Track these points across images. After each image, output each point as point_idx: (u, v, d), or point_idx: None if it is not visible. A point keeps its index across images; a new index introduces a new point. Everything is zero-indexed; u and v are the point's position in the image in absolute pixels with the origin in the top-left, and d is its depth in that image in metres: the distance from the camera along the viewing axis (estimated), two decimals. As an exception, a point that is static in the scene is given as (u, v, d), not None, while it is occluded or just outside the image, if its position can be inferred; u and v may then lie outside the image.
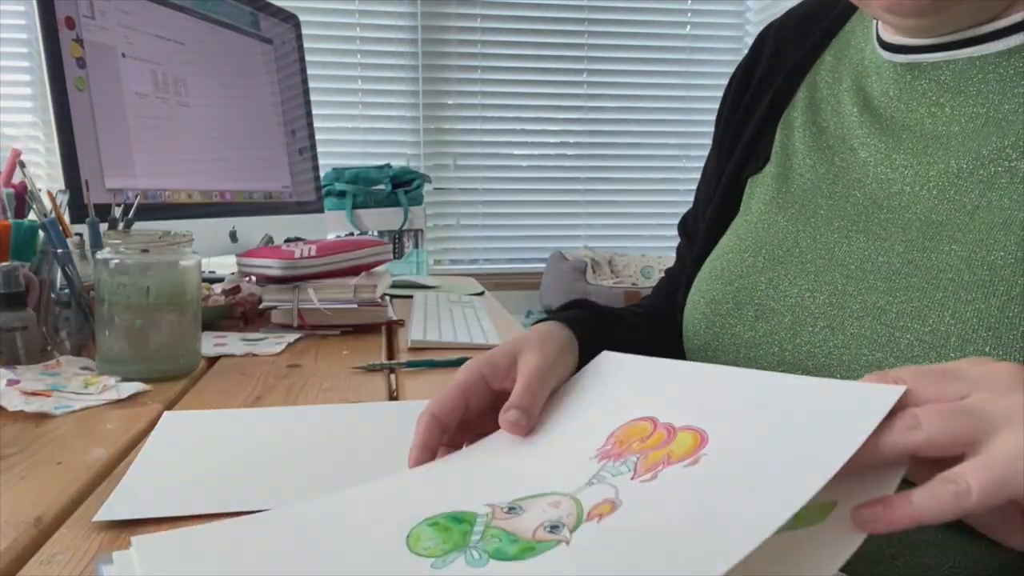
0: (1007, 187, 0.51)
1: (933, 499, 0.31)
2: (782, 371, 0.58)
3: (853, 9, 0.68)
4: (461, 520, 0.41)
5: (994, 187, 0.52)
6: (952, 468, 0.32)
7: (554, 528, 0.38)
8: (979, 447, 0.33)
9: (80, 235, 0.89)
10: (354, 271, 1.11)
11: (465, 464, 0.50)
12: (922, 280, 0.52)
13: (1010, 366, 0.36)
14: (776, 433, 0.40)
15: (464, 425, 0.53)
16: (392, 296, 1.31)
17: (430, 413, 0.51)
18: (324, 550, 0.40)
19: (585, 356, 0.59)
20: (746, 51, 0.77)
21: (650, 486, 0.39)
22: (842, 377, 0.54)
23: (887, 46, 0.61)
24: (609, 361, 0.56)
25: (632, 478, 0.41)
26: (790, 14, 0.75)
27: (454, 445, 0.52)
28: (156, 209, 1.11)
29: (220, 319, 1.09)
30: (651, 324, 0.75)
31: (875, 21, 0.64)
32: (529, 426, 0.50)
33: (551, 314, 0.66)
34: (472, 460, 0.51)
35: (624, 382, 0.53)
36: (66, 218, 0.93)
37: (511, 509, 0.41)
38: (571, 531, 0.38)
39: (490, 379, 0.53)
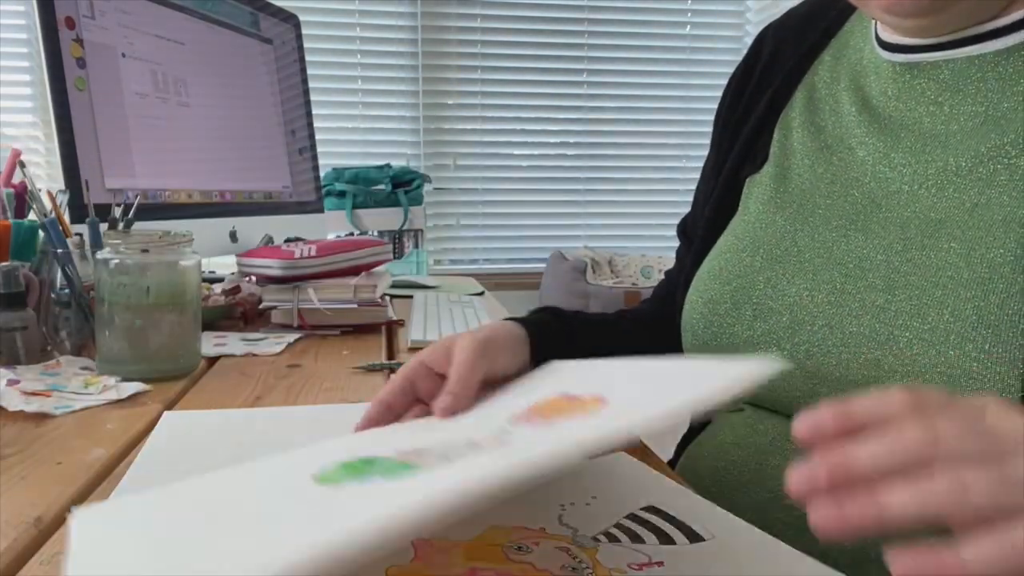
0: (1006, 184, 0.51)
1: (988, 555, 0.29)
2: (781, 370, 0.58)
3: (852, 9, 0.68)
4: (371, 463, 0.43)
5: (993, 184, 0.52)
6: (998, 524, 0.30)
7: (442, 458, 0.42)
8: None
9: (80, 235, 0.89)
10: (354, 271, 1.11)
11: (388, 428, 0.54)
12: (921, 278, 0.52)
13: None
14: (663, 393, 0.44)
15: (424, 411, 0.56)
16: (392, 296, 1.31)
17: (378, 399, 0.56)
18: (240, 496, 0.42)
19: (543, 354, 0.62)
20: (746, 51, 0.77)
21: (540, 430, 0.44)
22: (841, 376, 0.54)
23: (886, 45, 0.61)
24: (552, 364, 0.60)
25: (533, 429, 0.45)
26: (789, 14, 0.75)
27: None
28: (156, 209, 1.11)
29: (220, 319, 1.09)
30: (642, 323, 0.75)
31: (874, 21, 0.64)
32: (458, 409, 0.53)
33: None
34: (398, 426, 0.55)
35: (556, 375, 0.57)
36: (66, 218, 0.93)
37: (417, 451, 0.44)
38: (449, 460, 0.41)
39: (431, 364, 0.57)
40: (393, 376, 0.57)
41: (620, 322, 0.76)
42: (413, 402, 0.57)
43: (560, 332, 0.66)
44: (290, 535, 0.33)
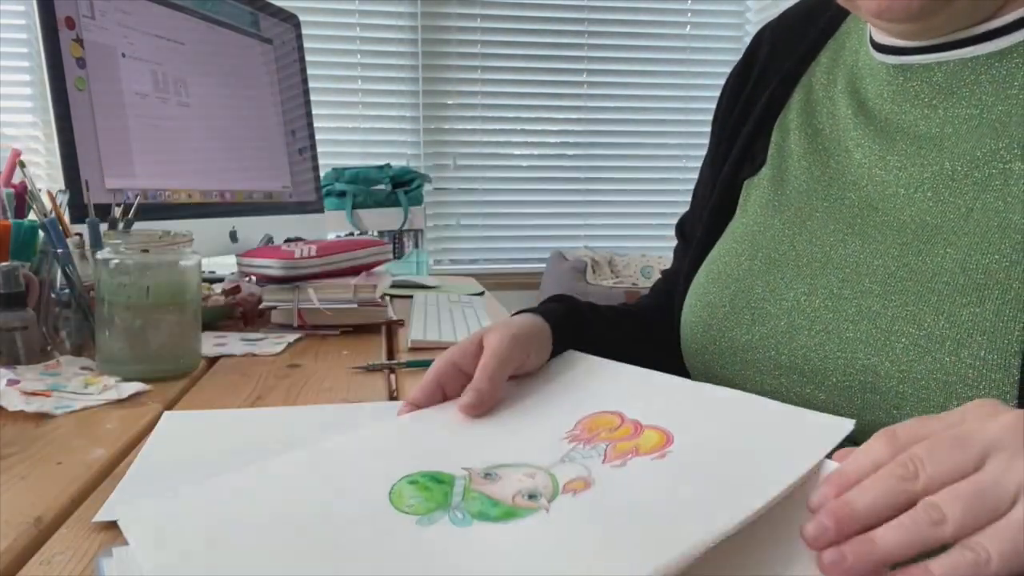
0: (1001, 189, 0.51)
1: (953, 569, 0.31)
2: (779, 375, 0.58)
3: (848, 11, 0.68)
4: (440, 481, 0.43)
5: (988, 189, 0.52)
6: (971, 536, 0.32)
7: (532, 496, 0.41)
8: (1000, 515, 0.32)
9: (80, 235, 0.89)
10: (354, 271, 1.11)
11: (439, 427, 0.53)
12: (916, 284, 0.52)
13: (1019, 417, 0.36)
14: (735, 445, 0.45)
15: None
16: (392, 296, 1.31)
17: (409, 402, 0.56)
18: (311, 509, 0.42)
19: (560, 346, 0.62)
20: (743, 52, 0.77)
21: (621, 471, 0.43)
22: (838, 381, 0.55)
23: (879, 47, 0.61)
24: (574, 357, 0.61)
25: (603, 462, 0.44)
26: (786, 15, 0.75)
27: None
28: (156, 209, 1.11)
29: (220, 319, 1.09)
30: (641, 323, 0.75)
31: (868, 24, 0.64)
32: (483, 407, 0.53)
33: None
34: (445, 425, 0.54)
35: (589, 377, 0.58)
36: (66, 218, 0.93)
37: (487, 475, 0.44)
38: (548, 500, 0.41)
39: (460, 364, 0.56)
40: (424, 379, 0.57)
41: (624, 320, 0.76)
42: (441, 401, 0.56)
43: (579, 326, 0.66)
44: None
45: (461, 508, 0.40)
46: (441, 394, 0.56)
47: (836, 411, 0.55)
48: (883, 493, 0.34)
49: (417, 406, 0.55)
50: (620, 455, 0.45)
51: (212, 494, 0.43)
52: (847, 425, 0.43)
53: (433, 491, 0.42)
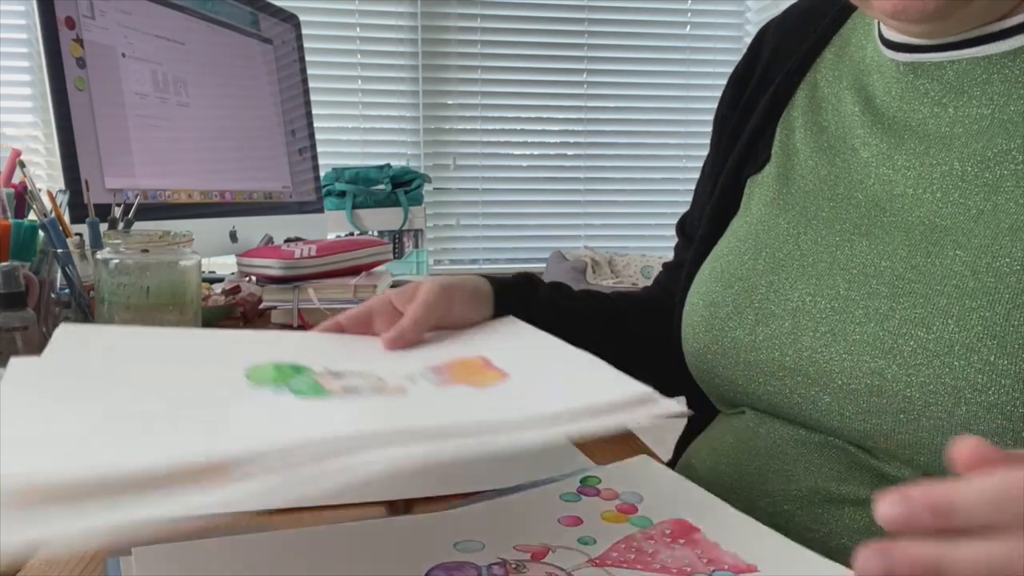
0: (1013, 190, 0.50)
1: None
2: (783, 376, 0.58)
3: (852, 6, 0.67)
4: (298, 371, 0.47)
5: (1000, 191, 0.51)
6: None
7: (348, 390, 0.45)
8: None
9: (80, 235, 0.89)
10: (354, 271, 1.11)
11: (334, 341, 0.59)
12: (925, 286, 0.51)
13: None
14: (551, 389, 0.47)
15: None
16: (392, 296, 1.31)
17: (335, 320, 0.61)
18: (177, 353, 0.50)
19: (503, 311, 0.66)
20: (745, 50, 0.77)
21: (437, 389, 0.47)
22: (844, 384, 0.54)
23: (890, 44, 0.61)
24: (508, 320, 0.65)
25: (434, 385, 0.48)
26: (789, 12, 0.75)
27: None
28: (156, 209, 1.11)
29: (220, 319, 1.09)
30: (618, 313, 0.76)
31: (876, 20, 0.63)
32: (402, 342, 0.57)
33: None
34: (340, 341, 0.59)
35: (498, 331, 0.62)
36: (66, 218, 0.93)
37: (336, 373, 0.48)
38: (357, 395, 0.44)
39: (395, 301, 0.61)
40: (357, 306, 0.62)
41: (597, 304, 0.77)
42: (366, 332, 0.61)
43: (526, 298, 0.69)
44: (184, 433, 0.36)
45: (292, 386, 0.44)
46: (368, 323, 0.61)
47: (841, 414, 0.54)
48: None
49: (339, 325, 0.61)
50: (449, 382, 0.48)
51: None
52: (642, 390, 0.44)
53: (284, 374, 0.46)
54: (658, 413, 0.42)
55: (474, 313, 0.64)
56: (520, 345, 0.58)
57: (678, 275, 0.74)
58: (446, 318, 0.61)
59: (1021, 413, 0.46)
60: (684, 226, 0.81)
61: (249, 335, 0.59)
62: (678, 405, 0.43)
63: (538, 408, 0.42)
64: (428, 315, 0.59)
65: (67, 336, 0.50)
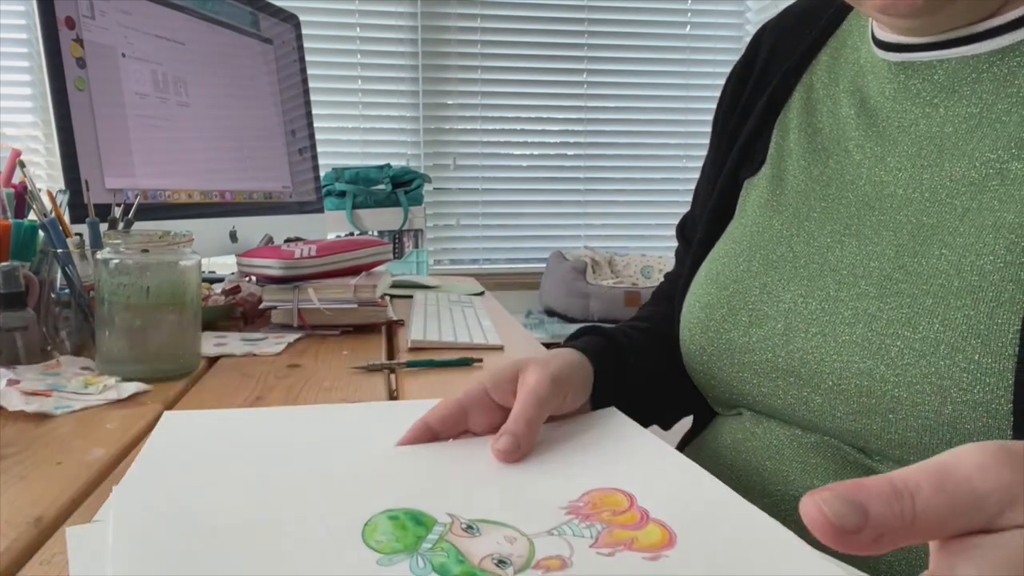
0: (997, 189, 0.51)
1: None
2: (775, 377, 0.58)
3: (849, 7, 0.67)
4: (420, 522, 0.42)
5: (985, 189, 0.51)
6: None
7: (501, 563, 0.39)
8: None
9: (80, 235, 0.89)
10: (354, 271, 1.11)
11: (442, 462, 0.51)
12: (912, 286, 0.51)
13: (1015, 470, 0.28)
14: (739, 566, 0.40)
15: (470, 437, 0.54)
16: (392, 296, 1.31)
17: (423, 420, 0.52)
18: (286, 523, 0.42)
19: (598, 379, 0.60)
20: (743, 51, 0.77)
21: (606, 560, 0.40)
22: (834, 384, 0.54)
23: (881, 44, 0.61)
24: (612, 417, 0.58)
25: (591, 546, 0.41)
26: (786, 13, 0.75)
27: None
28: (156, 209, 1.11)
29: (220, 319, 1.09)
30: (658, 338, 0.73)
31: (871, 19, 0.63)
32: (519, 454, 0.49)
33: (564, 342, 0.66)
34: (450, 461, 0.51)
35: (618, 445, 0.54)
36: (66, 218, 0.93)
37: (469, 528, 0.42)
38: (516, 572, 0.38)
39: (493, 393, 0.53)
40: (446, 400, 0.53)
41: (652, 345, 0.73)
42: (461, 432, 0.53)
43: (608, 354, 0.65)
44: None
45: (427, 556, 0.39)
46: (463, 419, 0.53)
47: (833, 415, 0.55)
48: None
49: (429, 428, 0.52)
50: (612, 544, 0.41)
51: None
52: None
53: (408, 532, 0.41)
54: None
55: (584, 398, 0.59)
56: (650, 467, 0.51)
57: (679, 283, 0.74)
58: (559, 411, 0.55)
59: (1006, 411, 0.46)
60: (684, 229, 0.81)
61: (330, 434, 0.54)
62: None
63: None
64: (542, 414, 0.52)
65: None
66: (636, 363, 0.67)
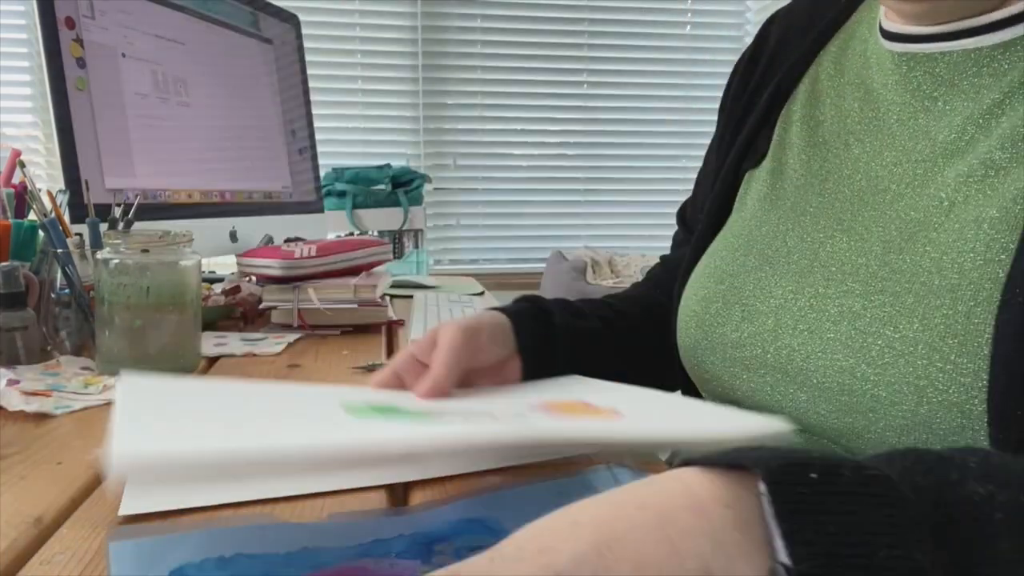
0: (982, 181, 0.50)
1: None
2: (764, 373, 0.59)
3: (859, 0, 0.67)
4: (396, 409, 0.48)
5: (971, 182, 0.51)
6: None
7: (467, 417, 0.47)
8: None
9: (80, 235, 0.89)
10: (354, 271, 1.11)
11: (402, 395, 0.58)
12: (895, 284, 0.51)
13: None
14: (675, 421, 0.50)
15: None
16: (392, 296, 1.31)
17: (369, 387, 0.59)
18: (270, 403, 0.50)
19: (525, 337, 0.64)
20: (752, 40, 0.77)
21: (554, 415, 0.48)
22: (819, 382, 0.54)
23: (888, 35, 0.61)
24: (574, 376, 0.64)
25: (552, 420, 0.48)
26: (796, 3, 0.74)
27: None
28: (156, 209, 1.11)
29: (220, 319, 1.09)
30: (641, 310, 0.76)
31: (880, 10, 0.63)
32: (439, 391, 0.55)
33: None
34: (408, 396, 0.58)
35: (577, 385, 0.61)
36: (66, 218, 0.93)
37: (436, 413, 0.48)
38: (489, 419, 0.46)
39: (418, 355, 0.59)
40: (382, 369, 0.60)
41: (607, 317, 0.75)
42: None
43: (545, 326, 0.68)
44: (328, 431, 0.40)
45: (395, 417, 0.45)
46: (400, 384, 0.59)
47: (817, 412, 0.55)
48: None
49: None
50: (559, 411, 0.49)
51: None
52: (779, 425, 0.44)
53: (384, 411, 0.46)
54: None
55: (501, 348, 0.62)
56: (608, 392, 0.58)
57: (675, 271, 0.74)
58: (476, 359, 0.59)
59: (979, 412, 0.46)
60: (685, 214, 0.81)
61: (312, 388, 0.60)
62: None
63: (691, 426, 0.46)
64: (457, 359, 0.57)
65: (133, 385, 0.51)
66: (566, 326, 0.70)
